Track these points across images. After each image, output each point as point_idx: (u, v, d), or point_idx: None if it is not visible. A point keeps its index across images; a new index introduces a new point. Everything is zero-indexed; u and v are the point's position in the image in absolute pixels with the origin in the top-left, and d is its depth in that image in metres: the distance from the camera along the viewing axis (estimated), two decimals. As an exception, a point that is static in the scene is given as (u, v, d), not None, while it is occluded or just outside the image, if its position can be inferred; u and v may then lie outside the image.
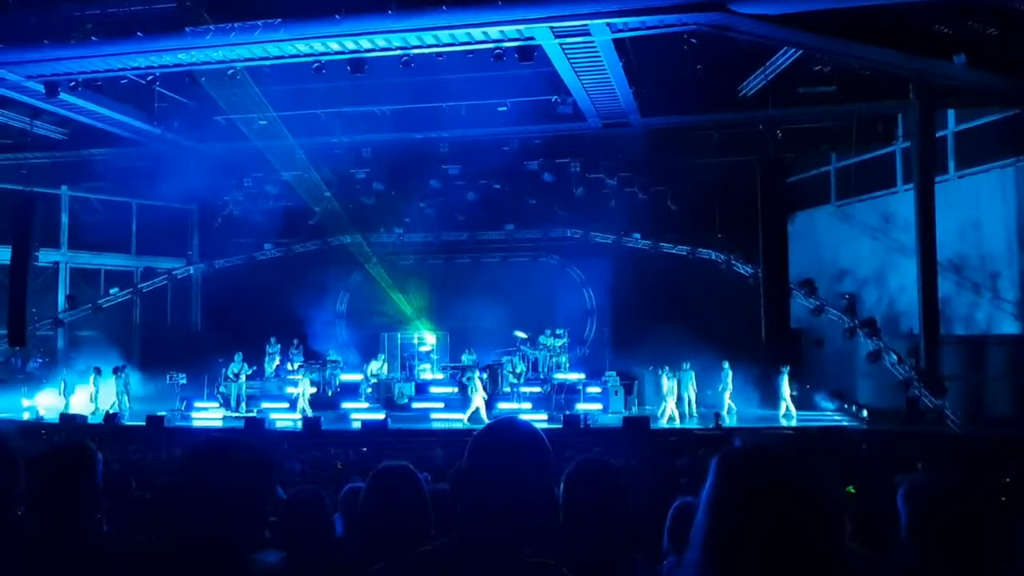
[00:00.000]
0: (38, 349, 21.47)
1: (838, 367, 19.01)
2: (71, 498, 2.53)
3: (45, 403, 18.51)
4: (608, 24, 12.86)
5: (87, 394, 18.55)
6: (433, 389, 19.20)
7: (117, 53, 14.63)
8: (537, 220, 21.76)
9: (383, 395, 19.21)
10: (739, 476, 1.62)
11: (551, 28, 13.01)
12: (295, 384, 18.48)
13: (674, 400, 17.03)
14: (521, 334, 19.82)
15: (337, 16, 13.38)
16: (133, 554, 2.35)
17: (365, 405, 18.39)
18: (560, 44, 13.58)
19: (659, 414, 17.00)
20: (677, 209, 20.54)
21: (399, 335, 22.19)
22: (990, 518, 2.16)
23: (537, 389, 18.72)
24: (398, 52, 14.16)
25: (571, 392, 18.34)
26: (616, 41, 13.66)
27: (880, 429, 15.17)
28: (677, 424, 16.79)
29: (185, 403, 18.58)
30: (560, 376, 19.04)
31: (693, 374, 17.46)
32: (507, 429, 1.97)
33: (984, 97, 15.86)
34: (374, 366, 19.68)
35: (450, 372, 19.87)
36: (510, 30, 13.35)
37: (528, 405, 17.77)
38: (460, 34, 13.60)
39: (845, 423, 16.56)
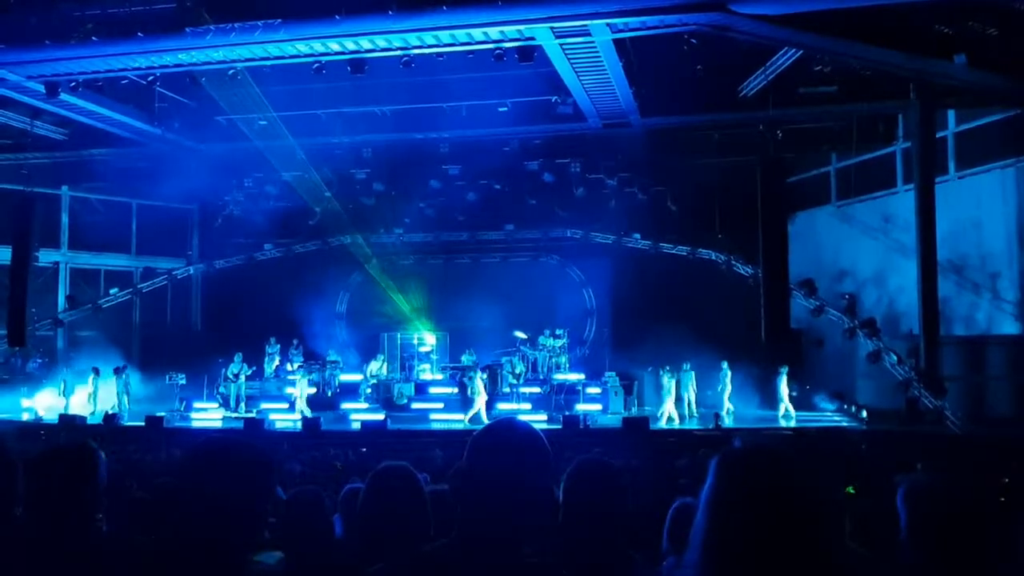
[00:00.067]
0: (38, 349, 21.46)
1: (838, 367, 18.99)
2: (73, 498, 2.53)
3: (44, 403, 18.49)
4: (608, 24, 12.87)
5: (86, 394, 18.54)
6: (432, 390, 19.16)
7: (117, 53, 14.64)
8: (537, 220, 21.73)
9: (382, 396, 19.17)
10: (739, 477, 1.62)
11: (551, 28, 13.01)
12: (294, 384, 18.49)
13: (672, 400, 17.00)
14: (521, 334, 19.79)
15: (337, 16, 13.40)
16: (133, 554, 2.35)
17: (364, 406, 18.37)
18: (560, 44, 13.59)
19: (659, 415, 16.98)
20: (677, 209, 20.55)
21: (399, 335, 22.18)
22: (990, 518, 2.16)
23: (537, 389, 18.67)
24: (398, 52, 14.17)
25: (571, 392, 18.31)
26: (616, 41, 13.67)
27: (880, 429, 15.15)
28: (676, 425, 16.78)
29: (184, 403, 18.55)
30: (560, 376, 19.00)
31: (693, 374, 17.43)
32: (506, 430, 1.98)
33: (984, 97, 15.85)
34: (374, 366, 19.66)
35: (450, 372, 19.85)
36: (510, 30, 13.36)
37: (528, 405, 17.74)
38: (460, 34, 13.61)
39: (845, 423, 16.54)
